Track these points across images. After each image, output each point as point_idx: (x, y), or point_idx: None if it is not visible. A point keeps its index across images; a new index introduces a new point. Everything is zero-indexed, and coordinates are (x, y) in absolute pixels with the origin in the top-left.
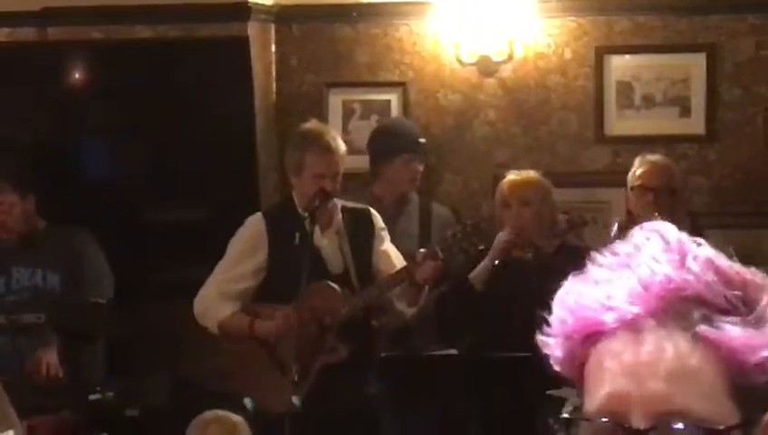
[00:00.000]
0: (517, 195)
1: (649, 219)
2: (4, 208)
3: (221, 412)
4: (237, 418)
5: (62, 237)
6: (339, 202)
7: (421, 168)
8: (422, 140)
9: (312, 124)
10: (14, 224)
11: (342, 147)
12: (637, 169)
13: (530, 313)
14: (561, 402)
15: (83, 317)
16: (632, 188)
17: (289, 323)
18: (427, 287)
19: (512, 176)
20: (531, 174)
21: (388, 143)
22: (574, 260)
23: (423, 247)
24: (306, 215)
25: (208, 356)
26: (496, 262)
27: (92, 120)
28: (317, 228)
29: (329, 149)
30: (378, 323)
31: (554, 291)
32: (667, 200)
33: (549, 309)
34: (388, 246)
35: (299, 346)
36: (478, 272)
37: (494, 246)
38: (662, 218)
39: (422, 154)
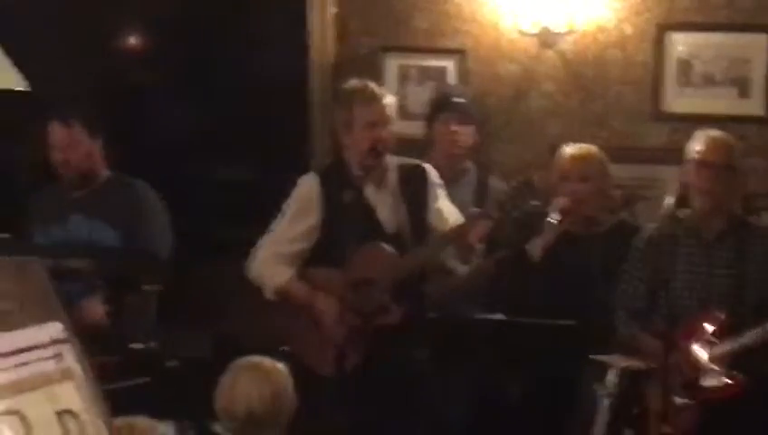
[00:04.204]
0: (577, 169)
1: (706, 195)
2: (71, 143)
3: (257, 358)
4: (275, 364)
5: (124, 191)
6: (392, 159)
7: (459, 128)
8: (458, 99)
9: (355, 81)
10: (79, 161)
11: (389, 97)
12: (696, 144)
13: (582, 285)
14: (605, 368)
15: (136, 270)
16: (689, 162)
17: (344, 302)
18: (479, 246)
19: (572, 149)
20: (591, 148)
21: (432, 106)
22: (629, 238)
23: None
24: (359, 173)
25: (255, 316)
26: (551, 231)
27: (151, 75)
28: (371, 187)
29: (374, 98)
30: (431, 284)
31: (608, 266)
32: (724, 177)
33: (602, 283)
34: (442, 203)
35: (351, 308)
36: (536, 243)
37: (554, 212)
38: (718, 195)
39: (459, 113)
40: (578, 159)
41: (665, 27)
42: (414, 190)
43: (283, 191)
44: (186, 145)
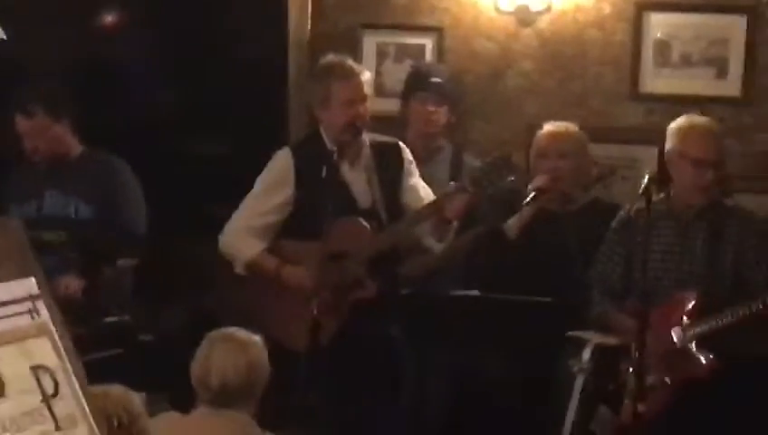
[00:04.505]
0: (555, 146)
1: (704, 192)
2: (35, 131)
3: (232, 329)
4: (250, 336)
5: (99, 166)
6: (367, 136)
7: (434, 107)
8: (435, 79)
9: (333, 56)
10: (48, 147)
11: (367, 73)
12: (688, 140)
13: (557, 263)
14: (582, 344)
15: (111, 244)
16: (681, 155)
17: (317, 276)
18: (455, 223)
19: (550, 127)
20: (569, 126)
21: (407, 84)
22: (603, 216)
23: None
24: (334, 149)
25: (229, 291)
26: (528, 208)
27: (129, 50)
28: (345, 163)
29: (353, 75)
30: (407, 262)
31: (582, 244)
32: (711, 171)
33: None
34: (416, 181)
35: (325, 283)
36: (512, 221)
37: (531, 190)
38: (706, 189)
39: (436, 93)
40: (556, 137)
41: (643, 7)
42: (388, 168)
43: (260, 167)
44: (164, 120)
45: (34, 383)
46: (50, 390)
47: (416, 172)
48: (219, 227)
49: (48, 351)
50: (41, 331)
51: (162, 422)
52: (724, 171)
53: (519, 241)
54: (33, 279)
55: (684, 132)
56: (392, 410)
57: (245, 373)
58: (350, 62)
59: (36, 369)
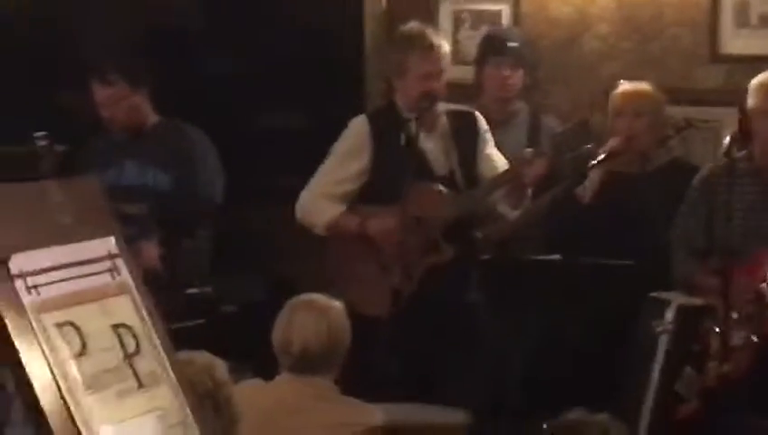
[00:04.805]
0: (631, 105)
1: None
2: (114, 100)
3: (314, 295)
4: (330, 301)
5: (175, 135)
6: (443, 105)
7: (510, 72)
8: (511, 44)
9: (414, 24)
10: (125, 117)
11: (446, 46)
12: (758, 93)
13: (637, 225)
14: (665, 305)
15: (189, 213)
16: (753, 111)
17: (400, 222)
18: (530, 190)
19: (626, 86)
20: (645, 85)
21: (481, 49)
22: (683, 175)
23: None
24: (412, 117)
25: (307, 259)
26: (597, 171)
27: (204, 22)
28: (422, 130)
29: (432, 48)
30: (482, 229)
31: (662, 205)
32: None
33: (657, 222)
34: (492, 150)
35: (404, 246)
36: (585, 185)
37: (602, 152)
38: None
39: (511, 57)
40: (631, 95)
41: None
42: (465, 136)
43: (337, 137)
44: (240, 92)
45: (116, 341)
46: (131, 348)
47: (491, 141)
48: (295, 197)
49: (129, 309)
50: (121, 289)
51: (246, 389)
52: None
53: (594, 204)
54: (112, 238)
55: (765, 88)
56: (472, 375)
57: (326, 339)
58: (429, 32)
59: (117, 327)
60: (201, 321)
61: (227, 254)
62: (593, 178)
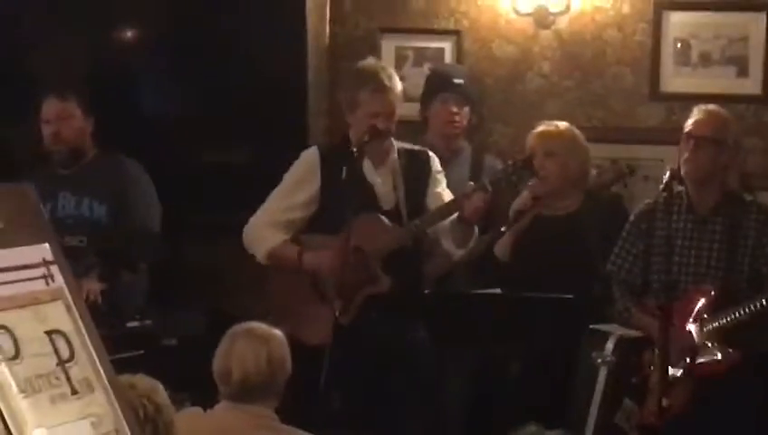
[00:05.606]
0: (542, 145)
1: (691, 164)
2: (63, 115)
3: (254, 323)
4: (271, 330)
5: (112, 166)
6: (397, 143)
7: (457, 109)
8: (457, 81)
9: (368, 62)
10: (70, 136)
11: (398, 85)
12: (690, 118)
13: (570, 265)
14: (605, 338)
15: (127, 245)
16: (682, 136)
17: (338, 254)
18: (476, 230)
19: (540, 126)
20: (560, 125)
21: (428, 86)
22: (609, 209)
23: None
24: (359, 150)
25: (248, 292)
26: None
27: (148, 59)
28: (370, 164)
29: (383, 89)
30: (425, 265)
31: (595, 242)
32: (709, 150)
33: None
34: (442, 190)
35: (342, 277)
36: (501, 242)
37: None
38: (704, 166)
39: (458, 94)
40: (542, 136)
41: (662, 6)
42: (415, 173)
43: (280, 173)
44: (182, 128)
45: (50, 347)
46: (65, 354)
47: (443, 181)
48: (238, 232)
49: (63, 316)
50: (55, 296)
51: (185, 417)
52: (728, 156)
53: (517, 257)
54: (47, 245)
55: (690, 117)
56: (414, 410)
57: (266, 367)
58: (382, 71)
59: (51, 333)
60: (140, 352)
61: (169, 287)
62: (503, 239)
